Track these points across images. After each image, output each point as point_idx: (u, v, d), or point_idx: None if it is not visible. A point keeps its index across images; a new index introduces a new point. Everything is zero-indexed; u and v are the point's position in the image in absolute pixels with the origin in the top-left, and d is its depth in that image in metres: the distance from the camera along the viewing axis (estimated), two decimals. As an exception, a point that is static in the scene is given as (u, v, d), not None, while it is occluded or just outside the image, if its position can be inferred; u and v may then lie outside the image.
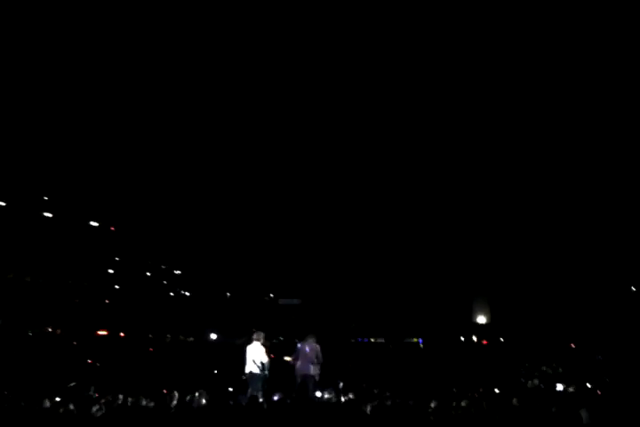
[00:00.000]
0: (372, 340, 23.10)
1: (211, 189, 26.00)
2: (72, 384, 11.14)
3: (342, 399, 11.03)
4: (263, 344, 10.94)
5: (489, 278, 26.42)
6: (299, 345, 11.28)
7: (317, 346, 11.48)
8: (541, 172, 24.99)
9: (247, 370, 10.86)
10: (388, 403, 9.57)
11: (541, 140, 24.60)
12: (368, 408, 9.78)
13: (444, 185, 26.02)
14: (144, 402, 10.32)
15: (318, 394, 11.04)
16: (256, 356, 10.83)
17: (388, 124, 25.48)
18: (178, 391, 11.15)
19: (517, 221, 25.95)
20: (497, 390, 15.89)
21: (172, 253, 26.29)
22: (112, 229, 25.37)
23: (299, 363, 11.39)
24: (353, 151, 25.61)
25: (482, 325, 25.88)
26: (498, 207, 25.99)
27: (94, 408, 9.36)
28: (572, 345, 22.44)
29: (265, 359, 10.81)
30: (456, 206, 26.33)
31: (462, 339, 24.10)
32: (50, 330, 19.11)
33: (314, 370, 11.01)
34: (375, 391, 11.86)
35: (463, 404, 11.48)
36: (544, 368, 20.16)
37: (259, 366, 10.66)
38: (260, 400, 10.25)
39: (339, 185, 26.27)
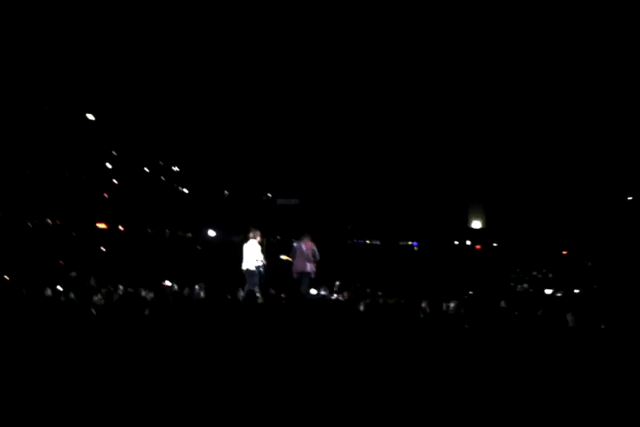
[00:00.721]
0: (368, 242, 23.49)
1: (211, 84, 25.42)
2: (73, 274, 11.40)
3: (337, 297, 11.38)
4: (259, 242, 11.11)
5: (485, 184, 26.47)
6: (295, 244, 11.49)
7: (313, 245, 11.68)
8: (540, 64, 24.40)
9: (244, 266, 11.11)
10: (380, 301, 9.88)
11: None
12: (361, 306, 10.07)
13: (442, 80, 25.48)
14: (143, 293, 10.59)
15: (313, 291, 11.38)
16: (252, 253, 11.06)
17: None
18: (177, 284, 11.44)
19: (515, 125, 25.66)
20: (486, 293, 16.36)
21: (171, 150, 26.08)
22: (109, 123, 24.99)
23: (296, 261, 11.66)
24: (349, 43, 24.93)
25: (477, 230, 26.23)
26: (494, 109, 25.64)
27: (95, 298, 9.61)
28: (564, 252, 22.91)
29: (260, 256, 11.05)
30: (452, 107, 25.96)
31: (456, 243, 24.53)
32: (49, 222, 19.29)
33: (310, 268, 11.29)
34: (368, 291, 12.23)
35: (452, 304, 11.83)
36: (534, 273, 20.73)
37: (254, 263, 10.92)
38: (257, 295, 10.54)
39: (336, 79, 25.74)
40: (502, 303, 12.18)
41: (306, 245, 11.89)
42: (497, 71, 24.93)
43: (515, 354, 6.82)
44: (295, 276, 11.72)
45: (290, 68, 25.37)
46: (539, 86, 24.72)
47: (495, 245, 24.51)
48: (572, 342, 7.17)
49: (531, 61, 24.48)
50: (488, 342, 7.56)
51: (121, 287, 10.47)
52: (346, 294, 11.88)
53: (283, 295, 10.85)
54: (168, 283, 11.30)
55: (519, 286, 19.15)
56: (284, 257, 11.78)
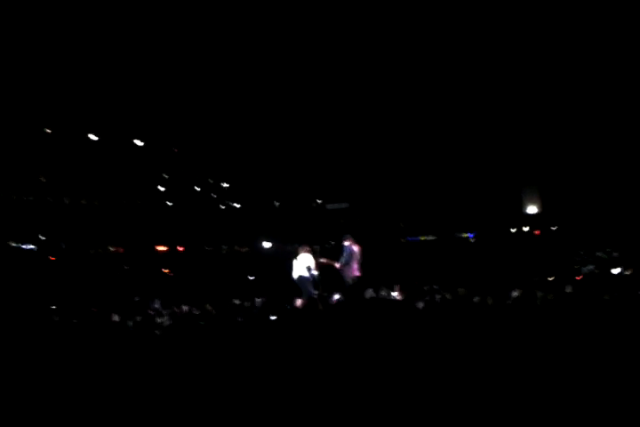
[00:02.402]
0: (422, 238, 23.27)
1: (252, 98, 25.79)
2: (137, 299, 11.74)
3: (395, 298, 11.32)
4: (310, 251, 11.16)
5: (538, 167, 25.85)
6: (348, 247, 11.41)
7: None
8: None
9: (295, 275, 11.20)
10: (438, 298, 9.79)
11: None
12: (420, 305, 10.01)
13: (491, 67, 25.09)
14: (205, 308, 10.80)
15: (370, 293, 11.34)
16: (302, 261, 11.13)
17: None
18: (237, 299, 11.60)
19: (566, 107, 24.99)
20: (550, 279, 15.98)
21: (218, 167, 26.57)
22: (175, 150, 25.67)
23: (354, 264, 11.58)
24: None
25: (533, 215, 25.64)
26: (548, 91, 25.05)
27: (161, 319, 9.87)
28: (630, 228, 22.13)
29: (312, 263, 11.10)
30: (503, 92, 25.48)
31: (513, 230, 24.05)
32: (112, 249, 19.89)
33: (359, 270, 11.25)
34: (425, 289, 12.12)
35: (516, 294, 11.61)
36: (599, 254, 20.11)
37: (306, 269, 10.98)
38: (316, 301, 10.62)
39: (374, 79, 25.70)
40: (568, 288, 11.90)
41: (357, 247, 11.85)
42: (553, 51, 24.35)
43: (592, 341, 6.67)
44: (349, 280, 11.66)
45: (327, 74, 25.49)
46: (594, 67, 24.05)
47: (554, 228, 23.90)
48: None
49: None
50: (560, 332, 7.40)
51: (185, 307, 10.73)
52: (404, 293, 11.81)
53: (342, 299, 10.88)
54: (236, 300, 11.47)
55: (584, 269, 18.62)
56: (323, 260, 11.64)
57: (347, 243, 11.60)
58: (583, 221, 22.97)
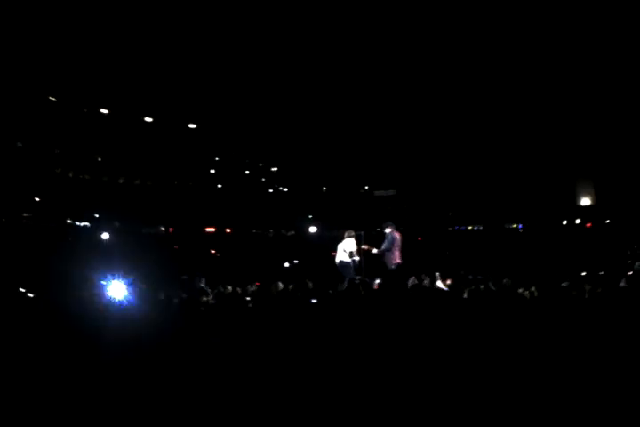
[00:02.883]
0: (470, 227, 23.01)
1: (301, 82, 25.80)
2: (184, 277, 12.08)
3: (439, 287, 11.27)
4: (354, 237, 11.22)
5: (592, 158, 25.14)
6: (389, 232, 11.39)
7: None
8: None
9: (337, 260, 11.30)
10: (482, 287, 9.73)
11: None
12: (465, 294, 9.96)
13: (544, 55, 24.45)
14: (250, 290, 11.02)
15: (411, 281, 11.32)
16: (345, 246, 11.22)
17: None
18: (281, 281, 11.79)
19: (621, 97, 24.18)
20: (601, 273, 15.62)
21: (268, 151, 26.80)
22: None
23: (396, 251, 11.58)
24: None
25: (586, 207, 24.99)
26: (603, 80, 24.28)
27: (206, 298, 10.13)
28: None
29: (354, 248, 11.16)
30: (555, 82, 24.81)
31: (565, 222, 23.52)
32: (162, 229, 20.41)
33: (400, 258, 11.22)
34: (470, 277, 12.04)
35: (564, 284, 11.40)
36: (652, 249, 19.50)
37: (348, 255, 11.06)
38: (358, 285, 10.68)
39: (432, 70, 25.33)
40: (622, 283, 11.58)
41: (398, 235, 11.82)
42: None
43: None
44: (394, 266, 11.66)
45: (374, 59, 25.29)
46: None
47: (607, 221, 23.26)
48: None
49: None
50: (604, 326, 7.28)
51: (229, 287, 10.99)
52: (448, 281, 11.76)
53: (381, 284, 10.91)
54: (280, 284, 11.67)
55: (637, 264, 18.11)
56: (365, 246, 11.60)
57: (388, 230, 11.61)
58: (637, 216, 22.28)
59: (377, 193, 25.80)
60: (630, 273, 15.43)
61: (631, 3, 21.66)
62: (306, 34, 24.53)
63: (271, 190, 25.46)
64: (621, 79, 23.90)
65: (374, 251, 11.60)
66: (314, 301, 7.73)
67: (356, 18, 23.99)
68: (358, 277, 11.09)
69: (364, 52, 24.90)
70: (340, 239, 12.13)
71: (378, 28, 24.14)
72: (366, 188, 26.49)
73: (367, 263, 11.76)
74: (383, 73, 25.48)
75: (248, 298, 9.24)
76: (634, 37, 22.82)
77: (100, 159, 23.37)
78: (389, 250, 11.61)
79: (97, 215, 19.12)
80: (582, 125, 24.99)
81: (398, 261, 11.67)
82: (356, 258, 11.43)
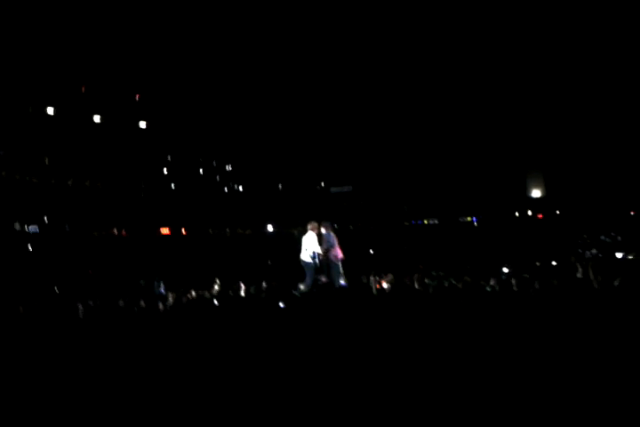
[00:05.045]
0: (426, 221, 23.24)
1: (252, 81, 25.59)
2: (142, 282, 11.76)
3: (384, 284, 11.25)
4: (317, 233, 11.15)
5: (542, 151, 25.73)
6: (326, 232, 11.41)
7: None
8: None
9: (301, 258, 11.23)
10: (445, 284, 9.81)
11: None
12: (430, 289, 9.99)
13: (492, 55, 24.89)
14: (211, 293, 10.82)
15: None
16: (308, 245, 11.15)
17: None
18: (243, 282, 11.62)
19: (569, 93, 24.82)
20: (554, 263, 15.97)
21: (222, 149, 26.45)
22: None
23: (336, 248, 11.66)
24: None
25: (537, 199, 25.57)
26: (551, 77, 24.86)
27: (165, 304, 9.88)
28: (632, 212, 22.10)
29: (317, 249, 11.11)
30: (505, 78, 25.28)
31: (517, 214, 24.00)
32: (115, 232, 19.88)
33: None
34: (433, 273, 12.11)
35: (526, 275, 11.57)
36: (602, 238, 20.09)
37: (310, 255, 11.00)
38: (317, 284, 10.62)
39: (379, 69, 25.50)
40: (579, 274, 11.79)
41: (333, 234, 11.90)
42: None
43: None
44: (339, 263, 11.72)
45: (333, 62, 25.31)
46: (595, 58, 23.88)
47: (558, 212, 23.86)
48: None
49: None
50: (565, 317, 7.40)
51: (192, 292, 10.75)
52: (388, 279, 11.73)
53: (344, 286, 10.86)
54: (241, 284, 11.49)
55: (587, 252, 18.63)
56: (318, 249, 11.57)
57: (324, 230, 11.69)
58: (587, 206, 22.92)
59: (333, 189, 25.80)
60: (582, 263, 15.83)
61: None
62: (261, 30, 24.39)
63: (226, 189, 25.13)
64: (571, 75, 24.53)
65: (319, 250, 11.67)
66: (281, 305, 7.62)
67: (306, 18, 23.95)
68: (322, 278, 11.03)
69: (321, 49, 24.92)
70: (305, 232, 12.05)
71: (340, 28, 24.22)
72: (322, 184, 26.46)
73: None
74: (339, 71, 25.53)
75: (213, 301, 9.06)
76: (577, 38, 23.47)
77: (47, 161, 22.61)
78: (333, 247, 11.67)
79: (46, 219, 18.47)
80: (532, 119, 25.55)
81: (342, 256, 11.78)
82: (319, 253, 11.38)
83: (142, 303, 9.25)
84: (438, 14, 24.07)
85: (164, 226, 20.48)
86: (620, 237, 19.72)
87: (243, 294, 10.67)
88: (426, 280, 11.04)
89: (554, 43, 23.99)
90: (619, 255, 17.25)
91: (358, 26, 24.36)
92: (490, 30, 24.48)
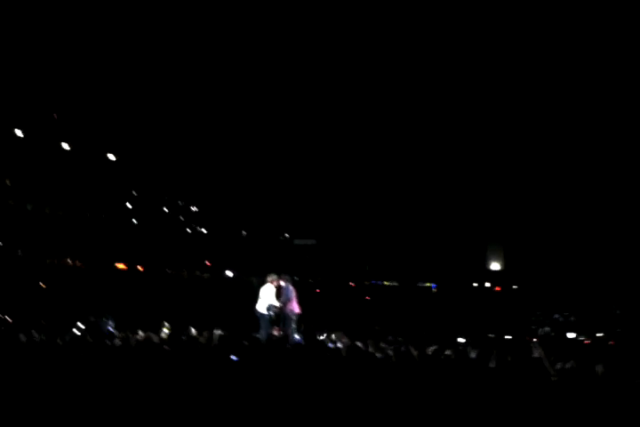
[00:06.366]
0: (386, 283, 23.28)
1: (225, 129, 25.84)
2: (91, 319, 11.34)
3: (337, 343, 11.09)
4: (275, 286, 11.04)
5: (504, 225, 26.28)
6: (284, 285, 11.34)
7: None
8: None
9: (257, 309, 11.09)
10: (402, 349, 9.67)
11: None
12: (390, 353, 9.81)
13: (457, 129, 25.68)
14: (160, 336, 10.47)
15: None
16: (265, 297, 11.05)
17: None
18: (195, 328, 11.28)
19: (534, 169, 25.63)
20: (508, 337, 15.99)
21: (189, 190, 26.32)
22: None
23: (293, 302, 11.59)
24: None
25: (495, 271, 25.93)
26: (515, 152, 25.68)
27: (112, 342, 9.49)
28: (586, 294, 22.48)
29: (274, 302, 11.02)
30: (470, 151, 26.04)
31: (475, 285, 24.23)
32: (69, 262, 19.34)
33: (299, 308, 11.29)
34: (390, 338, 11.99)
35: (472, 353, 11.47)
36: (556, 316, 20.30)
37: (266, 307, 10.90)
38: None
39: (353, 129, 26.05)
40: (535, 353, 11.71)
41: (292, 287, 11.86)
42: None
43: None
44: (295, 317, 11.62)
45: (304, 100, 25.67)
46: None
47: (515, 287, 24.16)
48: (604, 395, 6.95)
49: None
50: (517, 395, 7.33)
51: (140, 333, 10.37)
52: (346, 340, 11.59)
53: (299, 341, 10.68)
54: (192, 330, 11.18)
55: (540, 330, 18.73)
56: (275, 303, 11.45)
57: (283, 283, 11.65)
58: (544, 282, 23.28)
59: (297, 242, 25.79)
60: (535, 340, 15.89)
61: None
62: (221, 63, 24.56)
63: (189, 230, 24.84)
64: (532, 143, 25.32)
65: (275, 303, 11.61)
66: (234, 358, 7.37)
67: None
68: (275, 331, 10.87)
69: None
70: (260, 285, 11.94)
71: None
72: (287, 235, 26.43)
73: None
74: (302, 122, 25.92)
75: (162, 345, 8.73)
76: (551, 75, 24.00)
77: (8, 183, 22.10)
78: (290, 301, 11.62)
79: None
80: (495, 191, 26.19)
81: (298, 311, 11.71)
82: (274, 308, 11.24)
83: (89, 339, 8.87)
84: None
85: (121, 261, 20.02)
86: (573, 318, 19.95)
87: (192, 340, 10.34)
88: (382, 344, 10.89)
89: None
90: (571, 335, 17.38)
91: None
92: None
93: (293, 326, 11.56)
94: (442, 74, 24.79)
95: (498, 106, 25.15)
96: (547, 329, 19.00)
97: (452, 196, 26.13)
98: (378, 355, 9.47)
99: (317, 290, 20.05)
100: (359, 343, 10.39)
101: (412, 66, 24.77)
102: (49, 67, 22.64)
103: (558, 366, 9.92)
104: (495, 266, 26.39)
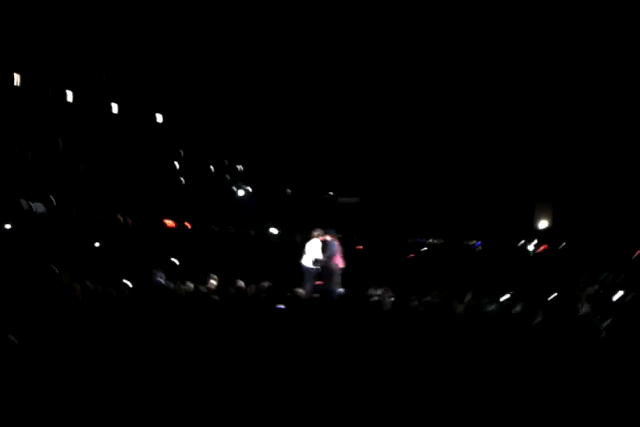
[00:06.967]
0: (431, 241, 23.25)
1: (272, 88, 25.83)
2: (143, 270, 11.76)
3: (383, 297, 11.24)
4: (322, 240, 11.17)
5: (553, 183, 25.79)
6: (329, 240, 11.43)
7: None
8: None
9: (302, 263, 11.29)
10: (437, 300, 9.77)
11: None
12: (418, 305, 9.96)
13: (509, 83, 25.10)
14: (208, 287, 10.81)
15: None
16: (311, 252, 11.23)
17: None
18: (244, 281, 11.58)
19: (583, 125, 24.94)
20: (554, 295, 15.88)
21: (235, 149, 26.59)
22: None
23: (338, 257, 11.73)
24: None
25: (543, 230, 25.56)
26: (564, 109, 25.02)
27: (163, 293, 9.87)
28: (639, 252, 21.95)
29: (319, 256, 11.20)
30: (519, 107, 25.46)
31: (522, 243, 23.98)
32: (120, 219, 19.92)
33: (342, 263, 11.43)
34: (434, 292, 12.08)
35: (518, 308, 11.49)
36: (605, 274, 19.97)
37: (312, 261, 11.09)
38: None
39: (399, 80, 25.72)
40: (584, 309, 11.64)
41: (337, 242, 11.95)
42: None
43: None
44: (339, 271, 11.75)
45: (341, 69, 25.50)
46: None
47: (564, 244, 23.78)
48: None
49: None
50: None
51: (189, 284, 10.74)
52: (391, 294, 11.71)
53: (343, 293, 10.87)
54: (240, 282, 11.51)
55: (589, 288, 18.50)
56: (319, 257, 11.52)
57: (329, 238, 11.77)
58: (593, 240, 22.85)
59: (341, 200, 25.93)
60: (584, 297, 15.72)
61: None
62: (261, 34, 24.61)
63: (235, 188, 25.19)
64: (580, 102, 24.63)
65: (320, 258, 11.75)
66: (281, 306, 7.60)
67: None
68: (322, 286, 11.09)
69: (325, 56, 25.10)
70: (310, 238, 12.12)
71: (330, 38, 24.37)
72: (331, 193, 26.56)
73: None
74: (348, 79, 25.73)
75: (212, 296, 9.04)
76: (590, 57, 23.49)
77: (61, 144, 22.71)
78: (334, 255, 11.80)
79: (53, 200, 18.51)
80: (543, 149, 25.64)
81: (342, 265, 11.91)
82: (320, 261, 11.40)
83: (141, 290, 9.25)
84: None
85: (170, 218, 20.53)
86: (623, 275, 19.59)
87: (241, 291, 10.66)
88: (425, 299, 11.00)
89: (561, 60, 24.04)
90: (619, 294, 17.13)
91: (359, 41, 24.51)
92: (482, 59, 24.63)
93: (338, 280, 11.75)
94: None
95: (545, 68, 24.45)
96: (595, 287, 18.75)
97: (501, 152, 25.75)
98: (421, 308, 9.62)
99: (360, 247, 20.21)
100: (403, 297, 10.55)
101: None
102: (97, 27, 22.93)
103: (606, 323, 9.87)
104: (543, 224, 26.02)
